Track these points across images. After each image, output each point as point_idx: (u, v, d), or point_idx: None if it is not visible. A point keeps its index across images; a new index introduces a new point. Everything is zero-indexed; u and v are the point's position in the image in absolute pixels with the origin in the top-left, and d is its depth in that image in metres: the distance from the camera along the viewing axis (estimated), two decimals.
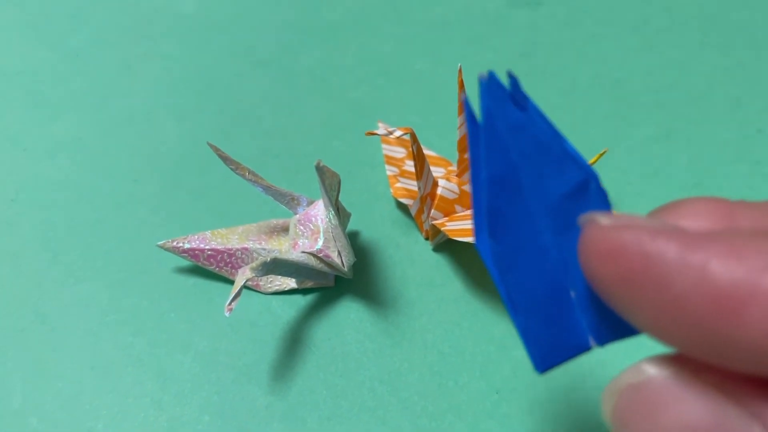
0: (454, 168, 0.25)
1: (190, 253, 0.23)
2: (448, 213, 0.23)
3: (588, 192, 0.13)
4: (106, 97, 0.29)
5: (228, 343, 0.22)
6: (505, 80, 0.12)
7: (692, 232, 0.10)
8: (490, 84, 0.12)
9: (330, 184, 0.20)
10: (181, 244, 0.23)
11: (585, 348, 0.13)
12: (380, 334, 0.22)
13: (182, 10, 0.33)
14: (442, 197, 0.23)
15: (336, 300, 0.23)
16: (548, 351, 0.13)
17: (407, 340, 0.22)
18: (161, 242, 0.23)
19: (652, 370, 0.11)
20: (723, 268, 0.10)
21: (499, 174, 0.12)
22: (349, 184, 0.25)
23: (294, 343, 0.22)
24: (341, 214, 0.22)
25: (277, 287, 0.23)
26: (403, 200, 0.24)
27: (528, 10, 0.33)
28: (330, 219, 0.21)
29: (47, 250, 0.24)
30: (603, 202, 0.13)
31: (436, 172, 0.25)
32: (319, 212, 0.22)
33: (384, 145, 0.26)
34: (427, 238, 0.24)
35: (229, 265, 0.23)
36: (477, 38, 0.31)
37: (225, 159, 0.21)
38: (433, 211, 0.23)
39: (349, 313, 0.23)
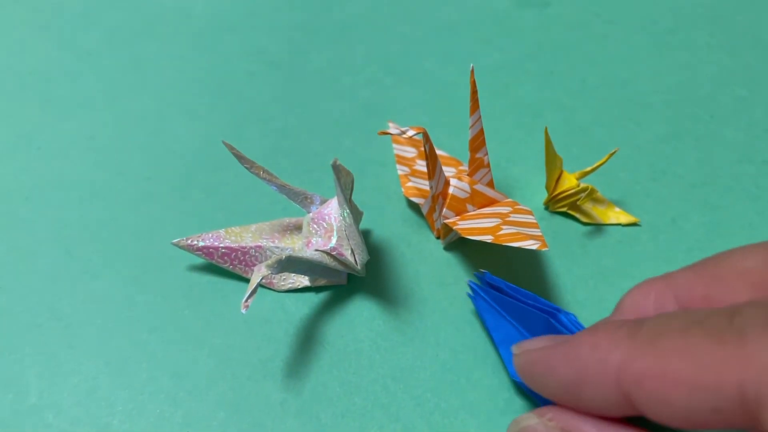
0: (464, 167, 0.25)
1: (205, 251, 0.23)
2: (460, 212, 0.23)
3: (556, 320, 0.20)
4: (118, 96, 0.29)
5: (242, 339, 0.22)
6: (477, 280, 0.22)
7: (556, 343, 0.17)
8: (474, 287, 0.21)
9: (345, 183, 0.21)
10: (195, 242, 0.23)
11: None
12: (393, 331, 0.22)
13: (193, 11, 0.33)
14: (453, 196, 0.23)
15: (349, 298, 0.23)
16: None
17: (419, 338, 0.22)
18: (176, 240, 0.23)
19: (533, 420, 0.17)
20: (562, 366, 0.16)
21: (496, 327, 0.21)
22: (360, 182, 0.26)
23: (307, 340, 0.22)
24: (354, 212, 0.22)
25: (290, 285, 0.23)
26: (414, 199, 0.25)
27: (536, 10, 0.33)
28: (344, 217, 0.22)
29: (62, 248, 0.24)
30: (574, 325, 0.20)
31: (447, 171, 0.25)
32: (333, 211, 0.22)
33: (395, 145, 0.26)
34: (438, 237, 0.24)
35: (243, 263, 0.23)
36: (485, 38, 0.32)
37: (240, 158, 0.22)
38: (444, 210, 0.23)
39: (361, 310, 0.23)
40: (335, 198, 0.23)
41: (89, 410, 0.21)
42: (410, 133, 0.21)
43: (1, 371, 0.21)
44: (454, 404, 0.21)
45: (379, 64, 0.30)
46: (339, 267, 0.21)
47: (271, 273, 0.19)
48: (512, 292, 0.21)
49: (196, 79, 0.30)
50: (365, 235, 0.25)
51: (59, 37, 0.32)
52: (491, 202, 0.23)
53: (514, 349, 0.18)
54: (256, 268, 0.19)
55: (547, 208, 0.25)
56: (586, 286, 0.23)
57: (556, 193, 0.25)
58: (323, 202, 0.23)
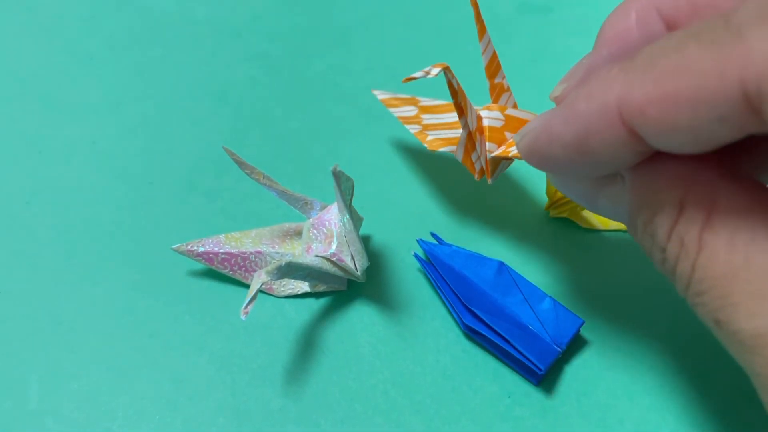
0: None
1: (205, 256, 0.23)
2: (502, 141, 0.22)
3: (503, 270, 0.22)
4: (120, 101, 0.29)
5: (242, 345, 0.22)
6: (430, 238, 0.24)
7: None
8: (425, 245, 0.23)
9: (345, 188, 0.21)
10: (195, 248, 0.23)
11: (556, 353, 0.20)
12: (393, 337, 0.22)
13: (195, 16, 0.33)
14: (491, 128, 0.22)
15: (349, 303, 0.23)
16: (534, 365, 0.20)
17: (420, 344, 0.22)
18: (176, 246, 0.23)
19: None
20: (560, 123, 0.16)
21: (454, 279, 0.22)
22: (360, 188, 0.26)
23: (307, 346, 0.22)
24: (354, 218, 0.22)
25: (290, 291, 0.23)
26: (443, 150, 0.23)
27: (538, 16, 0.33)
28: (344, 223, 0.22)
29: (63, 253, 0.24)
30: (516, 275, 0.22)
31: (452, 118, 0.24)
32: (333, 216, 0.22)
33: (392, 110, 0.26)
34: (481, 178, 0.23)
35: (243, 268, 0.23)
36: None
37: (240, 163, 0.22)
38: (487, 144, 0.21)
39: (362, 316, 0.23)
40: (335, 203, 0.23)
41: (89, 415, 0.21)
42: (434, 71, 0.20)
43: (1, 376, 0.21)
44: (454, 410, 0.21)
45: (381, 68, 0.31)
46: (339, 273, 0.21)
47: (271, 279, 0.19)
48: (458, 248, 0.23)
49: (197, 83, 0.30)
50: (365, 240, 0.25)
51: (61, 41, 0.32)
52: (525, 123, 0.22)
53: (516, 136, 0.18)
54: (255, 275, 0.19)
55: (548, 213, 0.25)
56: (587, 293, 0.23)
57: (557, 198, 0.24)
58: (323, 207, 0.23)
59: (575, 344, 0.22)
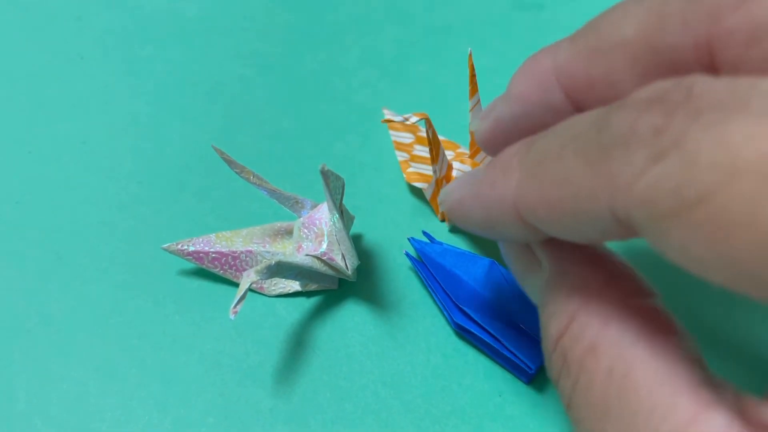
0: (462, 150, 0.26)
1: (195, 255, 0.23)
2: None
3: (494, 269, 0.22)
4: (110, 100, 0.29)
5: (232, 345, 0.22)
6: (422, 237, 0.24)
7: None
8: (417, 243, 0.23)
9: (335, 188, 0.20)
10: (185, 247, 0.23)
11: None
12: (384, 336, 0.22)
13: (185, 13, 0.33)
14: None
15: (339, 303, 0.23)
16: (525, 364, 0.20)
17: (410, 343, 0.22)
18: (166, 245, 0.23)
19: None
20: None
21: (445, 278, 0.22)
22: (352, 186, 0.26)
23: (298, 345, 0.22)
24: (345, 217, 0.22)
25: (281, 290, 0.23)
26: (416, 184, 0.25)
27: (531, 13, 0.33)
28: (334, 222, 0.21)
29: (52, 252, 0.24)
30: (507, 273, 0.22)
31: (447, 154, 0.25)
32: (323, 215, 0.22)
33: (392, 132, 0.27)
34: (443, 221, 0.25)
35: (233, 267, 0.23)
36: (480, 41, 0.32)
37: (229, 162, 0.21)
38: None
39: (353, 315, 0.23)
40: (326, 202, 0.23)
41: (78, 416, 0.21)
42: (413, 119, 0.21)
43: None
44: (444, 410, 0.20)
45: (373, 66, 0.30)
46: (330, 272, 0.21)
47: (261, 278, 0.19)
48: (449, 247, 0.23)
49: (188, 82, 0.30)
50: (356, 239, 0.25)
51: (51, 40, 0.32)
52: None
53: (441, 195, 0.18)
54: (245, 274, 0.19)
55: None
56: None
57: None
58: (314, 206, 0.23)
59: None
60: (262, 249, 0.23)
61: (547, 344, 0.15)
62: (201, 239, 0.23)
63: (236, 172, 0.22)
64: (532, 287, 0.17)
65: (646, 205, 0.11)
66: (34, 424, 0.20)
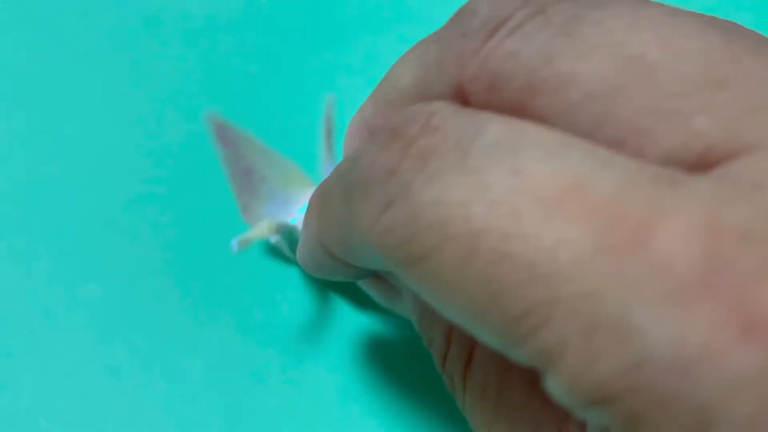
0: None
1: (228, 143, 0.21)
2: None
3: None
4: (114, 98, 0.29)
5: (237, 345, 0.22)
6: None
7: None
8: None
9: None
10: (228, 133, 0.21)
11: None
12: (389, 337, 0.22)
13: (190, 11, 0.33)
14: None
15: (344, 304, 0.23)
16: None
17: (416, 344, 0.22)
18: (211, 113, 0.21)
19: None
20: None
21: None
22: None
23: (303, 345, 0.22)
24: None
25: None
26: None
27: None
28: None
29: (55, 251, 0.24)
30: None
31: None
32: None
33: None
34: None
35: (245, 183, 0.21)
36: None
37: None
38: None
39: (357, 316, 0.23)
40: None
41: (82, 415, 0.21)
42: None
43: None
44: (453, 412, 0.20)
45: (377, 66, 0.30)
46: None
47: (275, 234, 0.18)
48: None
49: (192, 80, 0.30)
50: None
51: (55, 37, 0.31)
52: None
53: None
54: (266, 220, 0.18)
55: None
56: None
57: None
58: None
59: None
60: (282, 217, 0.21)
61: (436, 365, 0.15)
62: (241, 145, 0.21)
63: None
64: (404, 312, 0.17)
65: (385, 251, 0.11)
66: (39, 424, 0.20)
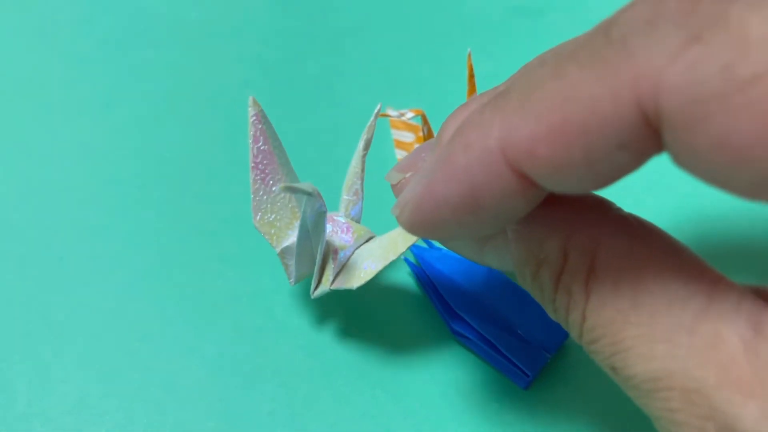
0: None
1: (260, 132, 0.21)
2: None
3: (493, 275, 0.22)
4: (112, 103, 0.29)
5: (233, 349, 0.22)
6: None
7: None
8: (416, 248, 0.22)
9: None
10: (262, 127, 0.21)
11: (545, 359, 0.20)
12: (383, 341, 0.22)
13: (188, 17, 0.33)
14: None
15: (339, 308, 0.23)
16: (522, 371, 0.20)
17: (409, 348, 0.22)
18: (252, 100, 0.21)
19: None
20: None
21: (444, 284, 0.22)
22: None
23: (298, 350, 0.22)
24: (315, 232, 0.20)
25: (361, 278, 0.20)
26: None
27: (531, 19, 0.33)
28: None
29: (54, 255, 0.24)
30: (505, 279, 0.22)
31: None
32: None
33: (393, 130, 0.27)
34: None
35: (267, 175, 0.21)
36: (480, 47, 0.32)
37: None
38: None
39: (351, 319, 0.23)
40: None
41: (78, 419, 0.21)
42: (409, 115, 0.21)
43: None
44: (443, 415, 0.21)
45: (374, 72, 0.31)
46: (315, 264, 0.20)
47: (304, 193, 0.17)
48: (449, 252, 0.22)
49: (190, 86, 0.30)
50: None
51: (53, 43, 0.32)
52: None
53: (394, 210, 0.15)
54: (306, 183, 0.18)
55: None
56: None
57: None
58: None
59: (565, 348, 0.22)
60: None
61: (546, 289, 0.14)
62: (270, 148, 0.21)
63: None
64: (495, 252, 0.16)
65: (685, 89, 0.10)
66: (34, 427, 0.21)
